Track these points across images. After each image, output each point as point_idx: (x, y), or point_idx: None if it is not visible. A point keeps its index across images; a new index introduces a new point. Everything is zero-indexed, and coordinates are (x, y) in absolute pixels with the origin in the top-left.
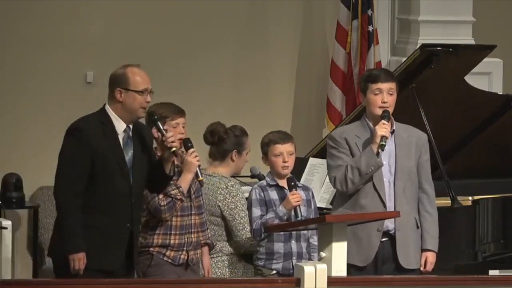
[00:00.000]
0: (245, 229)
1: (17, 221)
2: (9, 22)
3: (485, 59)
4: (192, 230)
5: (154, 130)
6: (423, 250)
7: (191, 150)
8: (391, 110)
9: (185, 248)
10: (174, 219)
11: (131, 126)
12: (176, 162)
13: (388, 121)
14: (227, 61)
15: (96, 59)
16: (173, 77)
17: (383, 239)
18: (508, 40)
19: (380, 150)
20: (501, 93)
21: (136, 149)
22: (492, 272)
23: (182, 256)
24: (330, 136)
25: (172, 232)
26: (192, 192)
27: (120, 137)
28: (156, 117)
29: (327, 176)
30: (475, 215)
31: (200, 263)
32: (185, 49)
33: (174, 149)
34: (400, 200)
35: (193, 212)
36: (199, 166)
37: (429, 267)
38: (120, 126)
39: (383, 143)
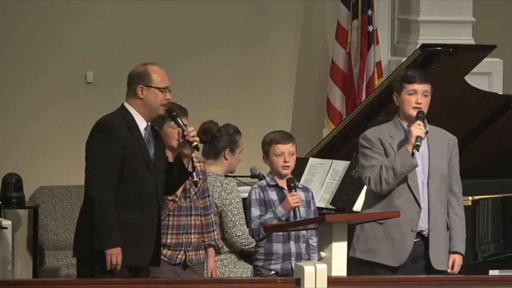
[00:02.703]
0: (236, 227)
1: (17, 221)
2: (9, 22)
3: (485, 59)
4: (192, 231)
5: (169, 128)
6: (451, 252)
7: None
8: (424, 111)
9: (182, 248)
10: (170, 218)
11: (149, 124)
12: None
13: (423, 122)
14: (227, 61)
15: (96, 59)
16: (173, 77)
17: (416, 240)
18: (508, 40)
19: (415, 150)
20: (501, 93)
21: (156, 147)
22: (492, 272)
23: (180, 256)
24: (364, 136)
25: (169, 231)
26: (192, 193)
27: (143, 134)
28: (175, 113)
29: (327, 176)
30: (475, 215)
31: (205, 264)
32: (185, 49)
33: (195, 143)
34: (434, 201)
35: (193, 213)
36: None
37: (456, 269)
38: (141, 123)
39: (418, 143)
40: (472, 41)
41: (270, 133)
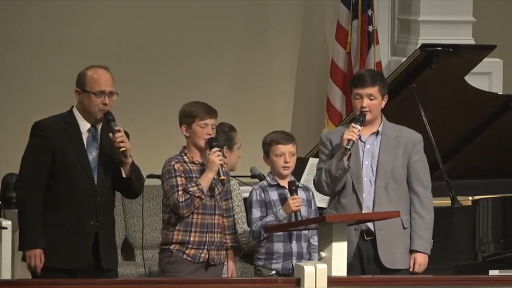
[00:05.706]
0: (238, 224)
1: (17, 221)
2: (9, 22)
3: (485, 59)
4: (215, 230)
5: (198, 128)
6: (411, 251)
7: (215, 149)
8: (373, 114)
9: (205, 247)
10: (195, 216)
11: (98, 127)
12: (201, 160)
13: (361, 125)
14: (227, 61)
15: (95, 59)
16: (173, 77)
17: (368, 238)
18: (508, 40)
19: (346, 153)
20: (501, 93)
21: (104, 150)
22: (492, 272)
23: (203, 255)
24: (320, 137)
25: (192, 229)
26: (217, 192)
27: (84, 137)
28: (110, 117)
29: None
30: (475, 215)
31: (224, 265)
32: (185, 49)
33: (122, 149)
34: (380, 200)
35: (217, 212)
36: (221, 165)
37: (417, 268)
38: (84, 125)
39: (347, 147)
40: (472, 41)
41: (271, 133)
